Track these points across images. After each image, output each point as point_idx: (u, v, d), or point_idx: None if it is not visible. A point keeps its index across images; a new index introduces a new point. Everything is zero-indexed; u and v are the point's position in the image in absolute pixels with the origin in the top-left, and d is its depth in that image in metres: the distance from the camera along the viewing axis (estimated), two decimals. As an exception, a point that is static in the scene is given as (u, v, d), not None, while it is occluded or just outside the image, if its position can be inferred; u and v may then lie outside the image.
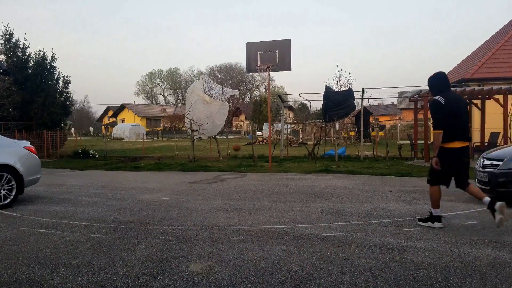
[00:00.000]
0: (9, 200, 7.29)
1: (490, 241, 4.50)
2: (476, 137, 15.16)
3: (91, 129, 76.07)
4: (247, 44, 13.69)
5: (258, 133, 45.67)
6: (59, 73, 24.20)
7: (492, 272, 3.57)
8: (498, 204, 4.68)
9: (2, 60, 22.11)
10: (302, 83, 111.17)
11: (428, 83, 5.32)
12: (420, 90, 13.62)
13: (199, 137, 19.29)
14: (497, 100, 13.84)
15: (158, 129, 70.53)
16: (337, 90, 15.80)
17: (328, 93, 15.19)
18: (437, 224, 5.13)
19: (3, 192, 7.23)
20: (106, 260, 4.10)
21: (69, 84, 24.78)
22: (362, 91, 16.23)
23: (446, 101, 4.94)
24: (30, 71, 23.16)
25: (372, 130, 33.20)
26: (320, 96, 15.55)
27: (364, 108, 16.68)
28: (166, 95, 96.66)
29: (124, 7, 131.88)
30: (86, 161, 17.64)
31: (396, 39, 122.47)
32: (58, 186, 9.95)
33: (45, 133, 19.79)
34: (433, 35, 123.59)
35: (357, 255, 4.11)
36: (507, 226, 5.01)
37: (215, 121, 17.03)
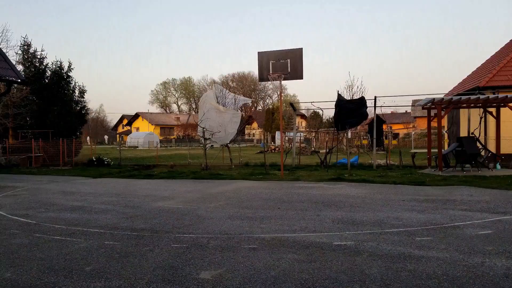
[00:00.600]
0: None
1: (504, 251, 4.43)
2: (491, 146, 14.95)
3: (106, 137, 77.04)
4: (259, 53, 13.79)
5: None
6: (75, 82, 24.71)
7: (506, 283, 3.52)
8: None
9: (20, 70, 22.62)
10: (314, 91, 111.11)
11: None
12: (434, 98, 13.50)
13: (212, 146, 19.40)
14: (512, 108, 13.64)
15: (172, 137, 71.11)
16: (349, 99, 15.77)
17: (340, 102, 15.18)
18: None
19: None
20: (118, 267, 4.15)
21: (85, 93, 25.24)
22: (375, 99, 16.16)
23: None
24: (47, 81, 23.68)
25: (386, 138, 32.97)
26: (332, 105, 15.56)
27: (377, 116, 16.59)
28: (179, 104, 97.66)
29: (139, 17, 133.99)
30: (100, 169, 17.86)
31: (409, 47, 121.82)
32: (73, 194, 10.10)
33: (61, 142, 20.12)
34: (447, 43, 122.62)
35: (369, 264, 4.09)
36: (522, 236, 4.92)
37: (228, 130, 17.12)
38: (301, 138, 33.59)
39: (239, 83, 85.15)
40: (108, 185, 12.05)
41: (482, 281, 3.56)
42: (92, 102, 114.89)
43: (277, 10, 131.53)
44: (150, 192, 10.13)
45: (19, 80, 13.89)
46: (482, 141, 14.81)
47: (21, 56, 24.25)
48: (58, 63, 24.00)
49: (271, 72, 13.40)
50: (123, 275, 3.90)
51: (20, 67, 23.39)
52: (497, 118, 14.22)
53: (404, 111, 61.49)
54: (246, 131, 72.53)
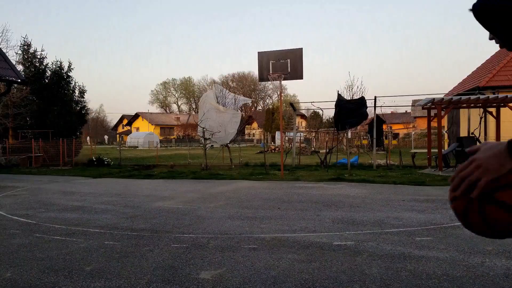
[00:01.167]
0: None
1: (504, 251, 4.43)
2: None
3: (106, 137, 77.08)
4: (259, 53, 13.79)
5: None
6: (75, 82, 24.72)
7: (505, 283, 3.52)
8: None
9: (20, 70, 22.64)
10: (314, 91, 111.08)
11: None
12: (434, 98, 13.51)
13: (212, 146, 19.40)
14: (512, 108, 13.65)
15: (172, 137, 71.12)
16: (349, 99, 15.78)
17: (340, 102, 15.18)
18: None
19: None
20: (118, 267, 4.15)
21: (85, 93, 25.25)
22: (375, 99, 16.17)
23: None
24: (47, 81, 23.69)
25: (386, 138, 32.97)
26: (333, 105, 15.56)
27: (377, 116, 16.59)
28: (179, 104, 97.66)
29: (139, 17, 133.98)
30: (100, 169, 17.86)
31: (409, 47, 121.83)
32: (73, 194, 10.10)
33: (61, 142, 20.12)
34: (447, 43, 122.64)
35: (369, 264, 4.09)
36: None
37: (228, 130, 17.13)
38: (301, 138, 33.60)
39: (239, 83, 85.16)
40: (108, 185, 12.05)
41: (482, 281, 3.56)
42: (92, 102, 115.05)
43: (277, 10, 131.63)
44: (150, 192, 10.13)
45: (19, 80, 13.90)
46: (482, 141, 14.81)
47: (21, 56, 24.27)
48: (58, 63, 24.02)
49: (271, 72, 13.40)
50: (123, 275, 3.90)
51: (20, 67, 23.40)
52: (497, 118, 14.22)
53: (404, 111, 61.50)
54: (246, 131, 72.54)
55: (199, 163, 18.19)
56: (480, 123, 15.24)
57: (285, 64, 13.26)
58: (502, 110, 14.22)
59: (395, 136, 42.82)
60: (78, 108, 24.80)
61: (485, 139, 15.54)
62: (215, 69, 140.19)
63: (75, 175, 15.46)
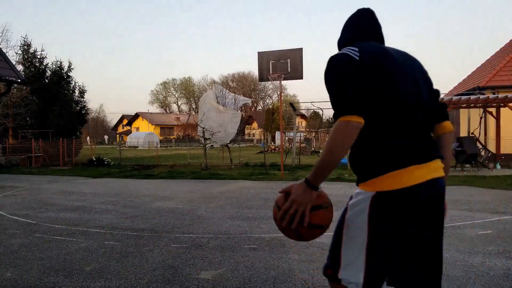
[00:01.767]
0: None
1: (504, 251, 4.43)
2: (491, 146, 14.96)
3: (106, 137, 77.08)
4: (259, 53, 13.79)
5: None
6: (75, 82, 24.73)
7: (505, 283, 3.52)
8: None
9: (20, 70, 22.65)
10: (314, 91, 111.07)
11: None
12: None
13: (212, 146, 19.41)
14: (512, 108, 13.66)
15: (172, 137, 71.13)
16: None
17: (341, 102, 15.16)
18: None
19: None
20: (118, 267, 4.15)
21: (85, 93, 25.26)
22: (375, 99, 16.15)
23: (364, 55, 1.75)
24: (47, 81, 23.69)
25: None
26: (332, 105, 15.54)
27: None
28: (179, 104, 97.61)
29: (137, 16, 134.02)
30: (100, 169, 17.87)
31: (409, 47, 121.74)
32: (73, 194, 10.10)
33: (60, 142, 20.13)
34: (447, 43, 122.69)
35: (368, 264, 4.08)
36: (522, 236, 4.93)
37: (228, 130, 17.13)
38: (301, 138, 33.61)
39: (239, 83, 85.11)
40: (108, 185, 12.05)
41: (482, 281, 3.56)
42: (92, 102, 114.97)
43: (278, 10, 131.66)
44: (150, 192, 10.14)
45: (19, 80, 13.91)
46: (482, 141, 14.82)
47: (21, 56, 24.28)
48: (58, 63, 24.03)
49: (271, 72, 13.41)
50: (123, 275, 3.90)
51: (20, 67, 23.40)
52: (497, 118, 14.24)
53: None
54: (246, 131, 72.55)
55: (199, 163, 18.19)
56: (480, 123, 15.25)
57: (285, 64, 13.26)
58: (502, 110, 14.23)
59: (395, 136, 42.70)
60: (78, 108, 24.81)
61: (485, 139, 15.55)
62: (215, 69, 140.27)
63: (75, 175, 15.46)
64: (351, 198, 1.88)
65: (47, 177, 15.01)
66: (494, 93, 15.35)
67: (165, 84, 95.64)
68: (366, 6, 2.17)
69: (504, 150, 14.56)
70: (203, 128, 16.89)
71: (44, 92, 23.02)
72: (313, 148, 27.64)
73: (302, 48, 13.37)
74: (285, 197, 1.72)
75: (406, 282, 1.66)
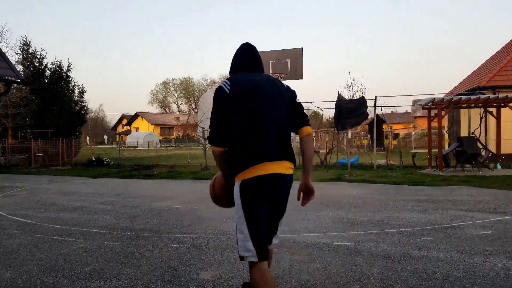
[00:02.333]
0: None
1: (505, 251, 4.42)
2: (492, 146, 14.95)
3: (105, 137, 77.03)
4: (259, 53, 13.78)
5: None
6: (74, 82, 24.72)
7: (506, 283, 3.51)
8: None
9: (20, 70, 22.64)
10: (314, 91, 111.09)
11: None
12: (434, 98, 13.51)
13: (212, 146, 19.35)
14: (512, 108, 13.65)
15: (171, 137, 71.07)
16: (349, 98, 15.77)
17: (341, 101, 15.17)
18: None
19: None
20: (118, 267, 4.14)
21: (84, 93, 25.25)
22: (375, 99, 16.16)
23: (233, 88, 2.59)
24: (46, 81, 23.67)
25: (386, 138, 32.98)
26: (332, 105, 15.55)
27: (377, 116, 16.58)
28: (179, 104, 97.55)
29: (137, 16, 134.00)
30: (100, 169, 17.86)
31: (409, 47, 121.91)
32: (73, 194, 10.09)
33: (60, 142, 20.11)
34: (447, 42, 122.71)
35: (369, 264, 4.08)
36: (522, 236, 4.92)
37: (228, 130, 17.12)
38: (301, 138, 33.53)
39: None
40: (107, 185, 12.04)
41: (482, 281, 3.56)
42: (92, 102, 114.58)
43: (278, 10, 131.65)
44: (150, 192, 10.13)
45: (18, 80, 13.89)
46: (483, 141, 14.81)
47: (21, 56, 24.28)
48: (58, 63, 24.02)
49: (271, 72, 13.40)
50: (122, 275, 3.89)
51: (19, 67, 23.40)
52: (498, 118, 14.22)
53: (405, 111, 61.54)
54: (246, 131, 72.35)
55: (199, 163, 18.18)
56: (480, 123, 15.23)
57: (285, 64, 13.26)
58: (503, 110, 14.21)
59: (395, 136, 42.82)
60: (77, 108, 24.80)
61: (486, 139, 15.54)
62: (215, 69, 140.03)
63: (75, 175, 15.45)
64: None
65: (47, 177, 15.00)
66: (494, 93, 15.34)
67: (164, 84, 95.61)
68: (248, 42, 2.89)
69: (504, 150, 14.55)
70: (203, 128, 16.88)
71: (43, 92, 23.01)
72: (313, 148, 27.63)
73: (302, 48, 13.38)
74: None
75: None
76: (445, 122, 22.06)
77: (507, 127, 14.77)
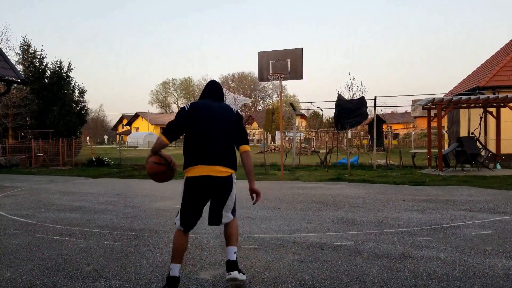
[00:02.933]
0: None
1: (504, 252, 4.43)
2: (491, 146, 14.95)
3: (105, 137, 77.01)
4: (259, 53, 13.79)
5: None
6: (75, 82, 24.77)
7: (505, 283, 3.52)
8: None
9: (20, 70, 22.65)
10: (314, 91, 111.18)
11: None
12: (434, 98, 13.52)
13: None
14: (512, 108, 13.66)
15: (171, 137, 70.97)
16: (349, 98, 15.77)
17: (340, 101, 15.18)
18: None
19: None
20: (118, 267, 4.15)
21: (85, 93, 25.27)
22: (375, 99, 16.17)
23: (190, 108, 3.58)
24: (46, 81, 23.70)
25: (386, 138, 32.97)
26: (332, 105, 15.56)
27: (377, 116, 16.58)
28: (179, 104, 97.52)
29: (138, 16, 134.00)
30: (100, 169, 17.87)
31: (409, 47, 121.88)
32: (73, 194, 10.10)
33: (60, 142, 20.13)
34: (447, 42, 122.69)
35: (369, 264, 4.08)
36: (522, 236, 4.92)
37: (228, 130, 17.13)
38: (301, 138, 33.61)
39: (239, 83, 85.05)
40: (108, 185, 12.05)
41: (482, 281, 3.56)
42: (92, 102, 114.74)
43: (278, 9, 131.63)
44: (150, 192, 10.14)
45: (19, 80, 13.89)
46: (482, 141, 14.82)
47: (21, 56, 24.31)
48: (58, 63, 24.07)
49: (271, 72, 13.40)
50: (123, 275, 3.90)
51: (20, 67, 23.43)
52: (497, 118, 14.23)
53: (404, 111, 61.51)
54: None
55: (199, 163, 18.17)
56: (480, 123, 15.24)
57: (285, 64, 13.26)
58: (502, 110, 14.22)
59: (395, 136, 42.84)
60: (78, 108, 24.82)
61: (485, 139, 15.55)
62: (215, 69, 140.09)
63: (75, 175, 15.46)
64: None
65: (47, 177, 15.01)
66: (494, 93, 15.35)
67: (165, 84, 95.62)
68: (213, 80, 4.04)
69: (504, 150, 14.56)
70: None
71: (44, 92, 23.03)
72: (313, 148, 27.62)
73: (302, 48, 13.37)
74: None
75: (208, 220, 3.78)
76: (445, 122, 22.07)
77: (507, 127, 14.78)
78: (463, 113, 18.15)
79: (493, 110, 14.46)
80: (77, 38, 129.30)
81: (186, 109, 3.55)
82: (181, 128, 3.55)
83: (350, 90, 15.89)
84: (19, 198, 9.46)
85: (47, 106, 22.91)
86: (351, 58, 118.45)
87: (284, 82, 13.86)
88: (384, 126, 35.05)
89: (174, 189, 10.84)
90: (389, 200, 8.20)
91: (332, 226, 5.91)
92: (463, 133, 17.63)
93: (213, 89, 3.75)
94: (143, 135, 60.02)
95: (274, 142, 45.15)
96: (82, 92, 25.06)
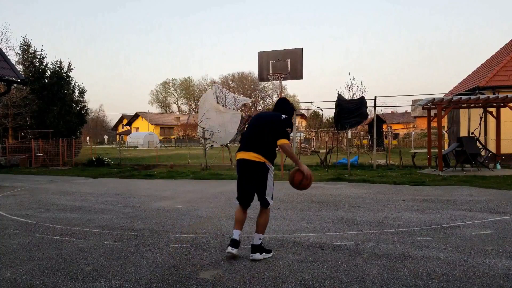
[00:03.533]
0: None
1: (505, 251, 4.43)
2: (491, 146, 14.95)
3: (105, 137, 77.01)
4: (259, 53, 13.79)
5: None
6: (75, 82, 24.74)
7: (505, 283, 3.52)
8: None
9: (20, 70, 22.64)
10: (314, 91, 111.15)
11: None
12: (434, 98, 13.50)
13: (212, 146, 19.41)
14: (512, 108, 13.65)
15: (172, 137, 71.06)
16: (349, 98, 15.77)
17: (340, 101, 15.17)
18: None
19: None
20: (118, 267, 4.15)
21: (85, 93, 25.25)
22: (375, 99, 16.16)
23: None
24: (47, 81, 23.68)
25: (386, 138, 32.95)
26: (332, 105, 15.55)
27: (377, 116, 16.58)
28: (179, 103, 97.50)
29: (138, 17, 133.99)
30: (100, 169, 17.87)
31: (409, 47, 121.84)
32: (73, 194, 10.10)
33: (60, 142, 20.12)
34: (447, 42, 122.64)
35: (369, 264, 4.08)
36: (522, 236, 4.92)
37: (228, 130, 17.13)
38: (301, 138, 33.60)
39: (239, 83, 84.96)
40: (108, 185, 12.05)
41: (482, 281, 3.56)
42: (92, 102, 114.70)
43: (278, 9, 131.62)
44: (150, 192, 10.13)
45: (19, 80, 13.88)
46: (482, 141, 14.81)
47: (21, 56, 24.27)
48: (58, 63, 24.04)
49: (271, 72, 13.40)
50: (123, 275, 3.90)
51: (20, 67, 23.40)
52: (497, 118, 14.22)
53: (404, 111, 61.48)
54: (246, 131, 72.28)
55: (199, 163, 18.19)
56: (480, 123, 15.23)
57: (285, 64, 13.26)
58: (502, 110, 14.21)
59: (395, 136, 42.81)
60: (78, 108, 24.80)
61: (485, 139, 15.54)
62: (215, 69, 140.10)
63: (75, 175, 15.46)
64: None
65: (47, 177, 15.01)
66: (494, 93, 15.34)
67: (165, 84, 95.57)
68: (284, 97, 4.98)
69: (504, 150, 14.55)
70: (203, 128, 16.89)
71: (44, 92, 23.02)
72: (313, 148, 27.60)
73: (302, 48, 13.38)
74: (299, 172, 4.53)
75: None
76: (445, 122, 22.06)
77: (507, 127, 14.77)
78: (463, 113, 18.15)
79: (493, 110, 14.45)
80: (77, 38, 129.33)
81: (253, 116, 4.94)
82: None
83: (350, 90, 15.88)
84: (19, 198, 9.46)
85: (47, 106, 22.89)
86: (351, 58, 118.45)
87: (284, 82, 13.85)
88: (384, 126, 35.01)
89: (174, 188, 10.85)
90: (389, 200, 8.20)
91: (332, 226, 5.91)
92: (463, 133, 17.63)
93: (277, 103, 4.74)
94: (143, 135, 60.01)
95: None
96: (82, 92, 25.04)
